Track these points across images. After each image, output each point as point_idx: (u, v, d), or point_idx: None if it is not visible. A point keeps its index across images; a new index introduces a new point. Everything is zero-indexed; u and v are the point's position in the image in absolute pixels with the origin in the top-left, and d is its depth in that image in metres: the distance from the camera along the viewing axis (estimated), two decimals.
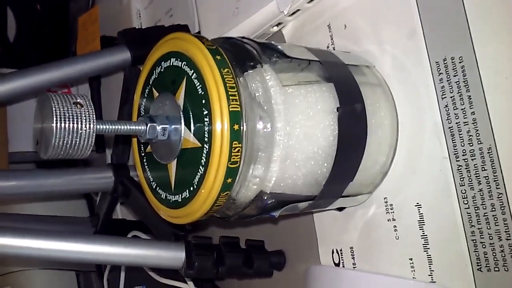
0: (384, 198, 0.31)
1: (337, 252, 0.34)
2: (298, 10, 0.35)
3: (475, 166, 0.27)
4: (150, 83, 0.27)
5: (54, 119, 0.21)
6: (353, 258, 0.33)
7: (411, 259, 0.30)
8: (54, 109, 0.22)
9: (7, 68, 0.57)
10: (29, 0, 0.65)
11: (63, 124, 0.22)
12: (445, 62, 0.28)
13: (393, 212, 0.31)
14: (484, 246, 0.27)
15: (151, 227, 0.40)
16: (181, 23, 0.48)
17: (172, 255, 0.34)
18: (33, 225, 0.43)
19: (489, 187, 0.27)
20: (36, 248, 0.30)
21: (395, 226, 0.31)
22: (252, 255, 0.36)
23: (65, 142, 0.22)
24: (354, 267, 0.33)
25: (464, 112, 0.27)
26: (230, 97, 0.23)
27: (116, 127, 0.24)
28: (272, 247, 0.39)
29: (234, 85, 0.23)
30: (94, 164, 0.56)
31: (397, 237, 0.30)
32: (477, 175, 0.27)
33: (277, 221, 0.39)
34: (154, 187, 0.27)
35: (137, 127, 0.24)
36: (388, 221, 0.31)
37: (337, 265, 0.34)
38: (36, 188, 0.38)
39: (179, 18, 0.49)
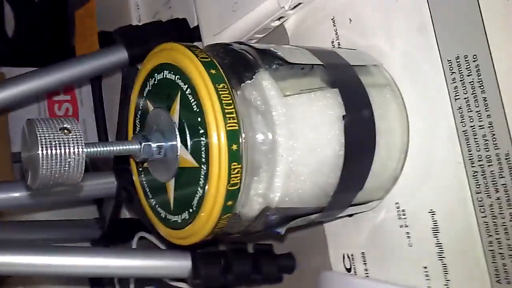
0: (396, 203, 0.29)
1: (348, 257, 0.33)
2: (300, 3, 0.33)
3: (492, 172, 0.25)
4: (145, 95, 0.26)
5: (40, 146, 0.20)
6: (365, 264, 0.32)
7: (425, 267, 0.28)
8: (39, 136, 0.20)
9: (5, 66, 0.55)
10: None
11: (49, 151, 0.20)
12: (458, 60, 0.26)
13: (406, 218, 0.29)
14: (503, 257, 0.25)
15: (156, 235, 0.39)
16: (180, 15, 0.46)
17: (178, 265, 0.33)
18: (38, 231, 0.43)
19: (507, 195, 0.25)
20: (32, 264, 0.29)
21: (407, 232, 0.29)
22: (261, 260, 0.35)
23: (53, 170, 0.20)
24: (366, 274, 0.32)
25: (479, 115, 0.26)
26: (227, 115, 0.21)
27: (108, 148, 0.22)
28: (281, 250, 0.37)
29: (230, 101, 0.22)
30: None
31: (410, 244, 0.29)
32: (494, 182, 0.25)
33: None
34: (153, 204, 0.26)
35: (130, 147, 0.23)
36: (401, 227, 0.29)
37: (349, 270, 0.33)
38: (40, 198, 0.38)
39: (178, 9, 0.47)
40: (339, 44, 0.32)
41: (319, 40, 0.33)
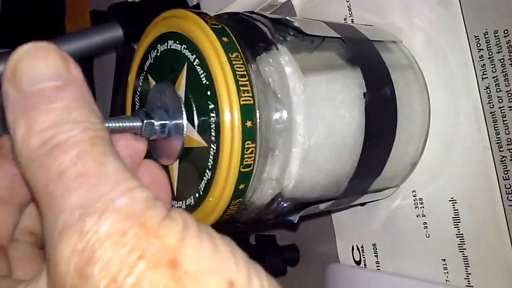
0: (413, 191, 0.28)
1: (358, 249, 0.31)
2: None
3: None
4: (145, 70, 0.23)
5: None
6: (376, 256, 0.30)
7: (444, 260, 0.27)
8: None
9: None
10: None
11: None
12: (486, 36, 0.24)
13: (423, 207, 0.27)
14: None
15: None
16: None
17: None
18: None
19: None
20: None
21: (425, 222, 0.27)
22: (263, 252, 0.33)
23: None
24: (377, 266, 0.30)
25: (509, 95, 0.24)
26: (241, 88, 0.19)
27: (105, 125, 0.20)
28: (285, 241, 0.35)
29: (244, 72, 0.19)
30: None
31: (427, 235, 0.27)
32: None
33: None
34: None
35: (130, 124, 0.20)
36: (417, 216, 0.27)
37: (358, 263, 0.31)
38: None
39: None
40: (352, 22, 0.30)
41: (330, 17, 0.31)
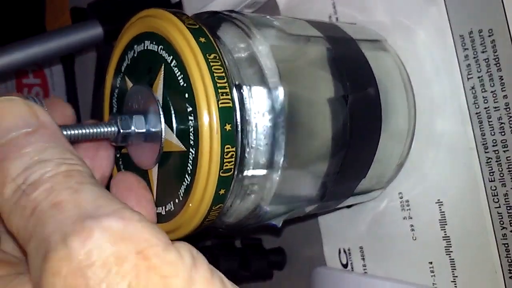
0: (399, 193, 0.27)
1: (345, 251, 0.30)
2: None
3: (508, 159, 0.23)
4: (122, 71, 0.23)
5: None
6: (363, 259, 0.29)
7: (431, 262, 0.26)
8: None
9: None
10: None
11: None
12: (471, 35, 0.24)
13: (410, 209, 0.27)
14: None
15: None
16: None
17: None
18: None
19: None
20: None
21: (412, 225, 0.27)
22: (249, 256, 0.33)
23: None
24: (364, 270, 0.29)
25: (494, 95, 0.23)
26: (219, 90, 0.19)
27: (79, 131, 0.19)
28: (271, 245, 0.35)
29: (223, 74, 0.19)
30: None
31: (414, 238, 0.27)
32: (511, 169, 0.23)
33: None
34: None
35: (106, 130, 0.20)
36: (404, 219, 0.27)
37: (345, 266, 0.30)
38: None
39: None
40: (337, 20, 0.29)
41: (314, 15, 0.30)
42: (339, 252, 0.31)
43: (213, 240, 0.32)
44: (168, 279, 0.12)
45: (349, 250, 0.30)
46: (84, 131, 0.19)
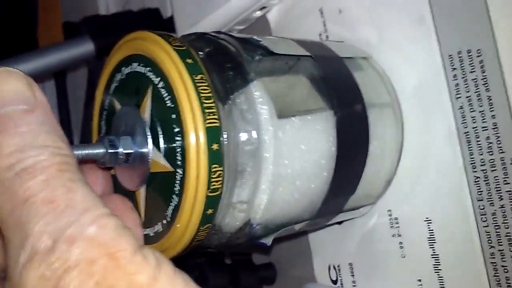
0: (388, 210, 0.27)
1: (334, 268, 0.30)
2: None
3: (496, 178, 0.23)
4: (110, 93, 0.23)
5: None
6: (353, 275, 0.29)
7: (419, 280, 0.26)
8: None
9: None
10: None
11: None
12: (460, 55, 0.24)
13: (399, 226, 0.27)
14: (506, 270, 0.23)
15: None
16: (152, 4, 0.43)
17: None
18: None
19: None
20: None
21: (401, 242, 0.27)
22: (239, 272, 0.32)
23: None
24: (353, 286, 0.29)
25: (483, 115, 0.23)
26: (206, 110, 0.19)
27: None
28: (261, 260, 0.35)
29: (210, 94, 0.19)
30: None
31: (403, 255, 0.27)
32: (498, 189, 0.23)
33: None
34: None
35: (93, 151, 0.20)
36: (393, 236, 0.27)
37: (335, 282, 0.30)
38: None
39: None
40: (327, 38, 0.29)
41: (305, 33, 0.30)
42: (329, 268, 0.30)
43: (202, 257, 0.32)
44: (133, 275, 0.13)
45: (338, 266, 0.30)
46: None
